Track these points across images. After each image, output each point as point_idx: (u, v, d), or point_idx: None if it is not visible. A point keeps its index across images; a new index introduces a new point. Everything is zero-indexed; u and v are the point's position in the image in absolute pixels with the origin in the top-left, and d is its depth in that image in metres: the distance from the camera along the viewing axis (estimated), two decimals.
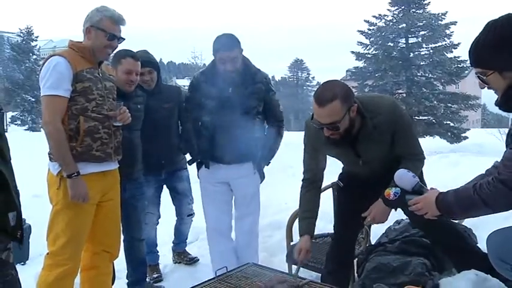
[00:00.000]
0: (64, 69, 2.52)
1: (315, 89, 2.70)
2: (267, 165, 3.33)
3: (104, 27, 2.63)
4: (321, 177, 2.78)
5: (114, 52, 2.85)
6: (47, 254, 2.66)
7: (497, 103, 1.91)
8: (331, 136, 2.42)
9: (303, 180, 2.79)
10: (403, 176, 2.15)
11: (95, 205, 2.71)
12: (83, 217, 2.66)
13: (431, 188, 2.15)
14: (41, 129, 2.64)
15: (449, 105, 23.77)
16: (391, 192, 2.18)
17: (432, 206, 2.02)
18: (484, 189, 1.82)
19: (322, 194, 3.00)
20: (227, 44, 3.04)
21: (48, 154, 2.63)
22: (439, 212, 2.02)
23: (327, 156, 2.74)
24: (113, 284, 3.17)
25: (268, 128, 3.31)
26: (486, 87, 1.93)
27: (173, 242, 4.08)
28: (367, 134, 2.47)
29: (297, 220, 3.32)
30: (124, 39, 2.73)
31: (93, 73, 2.64)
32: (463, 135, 22.66)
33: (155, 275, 3.75)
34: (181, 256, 4.04)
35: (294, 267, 3.25)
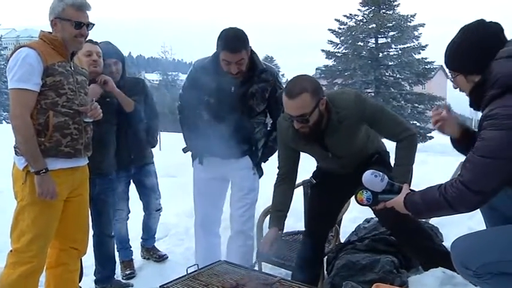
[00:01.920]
0: (34, 62, 2.42)
1: (285, 86, 2.74)
2: (264, 162, 3.23)
3: (69, 17, 2.52)
4: (293, 172, 2.82)
5: None
6: (11, 251, 2.56)
7: (469, 104, 2.01)
8: (301, 129, 2.47)
9: (277, 174, 2.84)
10: (370, 182, 2.16)
11: (63, 201, 2.64)
12: (50, 213, 2.57)
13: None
14: (3, 121, 2.53)
15: (416, 105, 24.35)
16: (363, 198, 2.20)
17: (401, 206, 2.09)
18: (448, 191, 1.87)
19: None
20: (234, 45, 2.77)
21: (14, 148, 2.53)
22: (408, 212, 2.08)
23: (300, 152, 2.78)
24: (80, 281, 3.11)
25: (271, 124, 3.21)
26: (458, 89, 2.03)
27: (142, 238, 4.03)
28: (333, 128, 2.53)
29: (267, 218, 3.34)
30: (93, 24, 2.62)
31: (64, 67, 2.55)
32: (429, 135, 23.23)
33: (128, 272, 3.69)
34: (151, 252, 3.99)
35: (264, 264, 3.27)
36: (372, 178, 2.15)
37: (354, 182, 2.25)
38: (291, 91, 2.41)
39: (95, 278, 3.44)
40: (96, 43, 3.21)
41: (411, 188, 2.15)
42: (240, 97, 2.94)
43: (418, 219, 2.55)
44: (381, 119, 2.56)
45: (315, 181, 2.91)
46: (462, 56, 1.92)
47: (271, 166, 3.20)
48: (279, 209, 2.78)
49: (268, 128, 3.21)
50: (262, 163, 3.23)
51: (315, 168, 3.00)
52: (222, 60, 2.82)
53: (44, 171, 2.45)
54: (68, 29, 2.53)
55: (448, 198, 1.87)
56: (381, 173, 2.16)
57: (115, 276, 3.53)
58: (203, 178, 3.25)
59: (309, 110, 2.40)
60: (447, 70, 2.02)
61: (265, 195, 3.67)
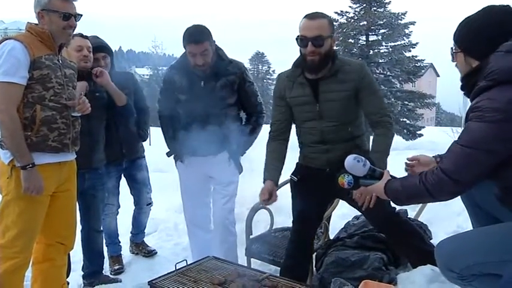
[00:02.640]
0: (20, 55, 2.37)
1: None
2: (241, 155, 3.29)
3: (56, 8, 2.47)
4: (286, 130, 2.91)
5: None
6: None
7: (460, 86, 2.02)
8: (311, 56, 2.57)
9: (269, 133, 2.94)
10: (353, 166, 2.16)
11: (49, 196, 2.60)
12: (36, 208, 2.54)
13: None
14: None
15: (406, 103, 24.42)
16: (345, 182, 2.20)
17: (381, 192, 2.09)
18: (428, 178, 1.88)
19: (282, 189, 3.05)
20: (196, 37, 2.93)
21: (0, 142, 2.49)
22: (388, 198, 2.09)
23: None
24: (67, 276, 3.08)
25: (245, 118, 3.29)
26: (455, 64, 2.02)
27: (131, 232, 4.02)
28: (332, 74, 2.65)
29: (256, 214, 3.33)
30: (81, 15, 2.58)
31: (52, 60, 2.51)
32: (418, 132, 23.36)
33: (116, 267, 3.67)
34: (140, 247, 3.98)
35: (253, 260, 3.27)
36: (354, 162, 2.15)
37: (335, 175, 2.24)
38: (311, 15, 2.60)
39: (82, 273, 3.41)
40: (86, 37, 3.19)
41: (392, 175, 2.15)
42: (210, 90, 3.04)
43: (398, 205, 2.54)
44: (372, 92, 2.69)
45: (295, 179, 2.90)
46: (472, 35, 1.91)
47: (255, 162, 3.21)
48: (273, 163, 2.86)
49: (243, 122, 3.27)
50: (240, 157, 3.28)
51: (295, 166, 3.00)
52: (188, 53, 2.98)
53: (30, 166, 2.41)
54: (56, 20, 2.48)
55: (427, 186, 1.88)
56: (363, 158, 2.16)
57: (103, 272, 3.50)
58: (187, 178, 3.34)
59: (326, 34, 2.57)
60: (452, 43, 1.99)
61: (252, 193, 3.67)
